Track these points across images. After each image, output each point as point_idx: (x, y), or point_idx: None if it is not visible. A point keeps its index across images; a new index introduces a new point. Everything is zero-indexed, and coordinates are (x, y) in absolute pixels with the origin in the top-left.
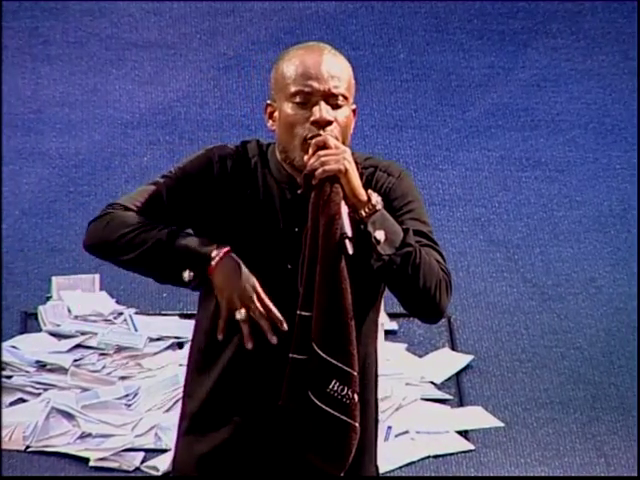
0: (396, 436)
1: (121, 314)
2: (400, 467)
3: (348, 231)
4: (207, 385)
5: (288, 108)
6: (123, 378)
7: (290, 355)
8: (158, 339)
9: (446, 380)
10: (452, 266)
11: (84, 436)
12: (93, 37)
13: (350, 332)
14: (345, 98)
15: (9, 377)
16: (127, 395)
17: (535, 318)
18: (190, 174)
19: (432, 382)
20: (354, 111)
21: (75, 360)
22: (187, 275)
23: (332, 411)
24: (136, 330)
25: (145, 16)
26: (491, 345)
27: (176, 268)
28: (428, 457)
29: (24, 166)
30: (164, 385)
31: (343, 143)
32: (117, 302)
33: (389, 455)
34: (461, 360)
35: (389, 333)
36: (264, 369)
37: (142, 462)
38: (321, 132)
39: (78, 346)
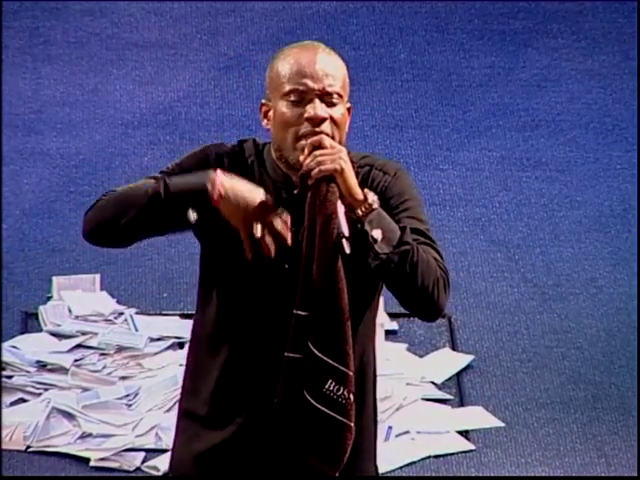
0: (397, 436)
1: (122, 314)
2: (401, 467)
3: (345, 231)
4: (204, 384)
5: (283, 106)
6: (124, 378)
7: (286, 354)
8: (159, 339)
9: (447, 380)
10: (452, 266)
11: (85, 436)
12: (94, 37)
13: (346, 332)
14: (340, 96)
15: (10, 377)
16: (128, 395)
17: (536, 318)
18: (187, 170)
19: (433, 382)
20: (349, 110)
21: (76, 360)
22: (192, 216)
23: (328, 411)
24: (137, 330)
25: (146, 16)
26: (492, 345)
27: (179, 212)
28: (429, 457)
29: (25, 166)
30: (165, 385)
31: (339, 142)
32: (118, 302)
33: (390, 455)
34: (462, 360)
35: (389, 333)
36: (261, 368)
37: (143, 462)
38: (316, 129)
39: (79, 346)
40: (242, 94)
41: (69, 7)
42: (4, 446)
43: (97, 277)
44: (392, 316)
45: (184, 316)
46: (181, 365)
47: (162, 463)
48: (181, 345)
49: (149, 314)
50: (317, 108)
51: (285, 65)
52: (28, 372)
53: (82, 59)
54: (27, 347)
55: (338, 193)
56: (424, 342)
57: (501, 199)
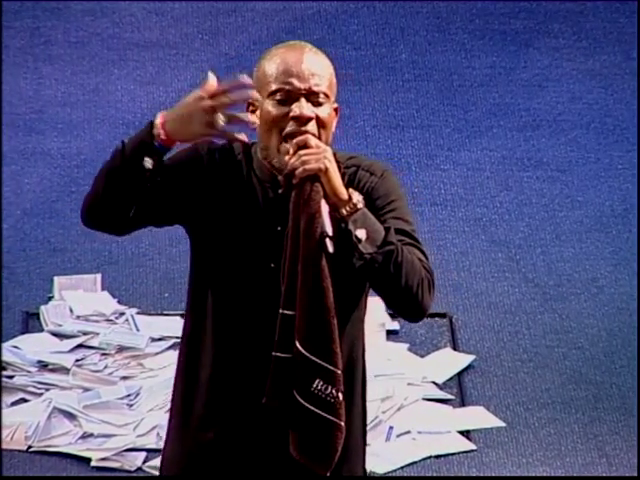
0: (398, 436)
1: (123, 314)
2: (402, 467)
3: (328, 230)
4: (194, 384)
5: (269, 106)
6: (125, 378)
7: (273, 353)
8: (160, 339)
9: (448, 380)
10: (454, 266)
11: (86, 436)
12: (95, 37)
13: (333, 330)
14: (326, 96)
15: (11, 377)
16: (129, 395)
17: (537, 318)
18: (181, 161)
19: (434, 382)
20: (336, 110)
21: (77, 360)
22: (148, 162)
23: (317, 410)
24: (138, 330)
25: (147, 16)
26: (493, 345)
27: (136, 163)
28: (430, 457)
29: (26, 166)
30: (166, 385)
31: (325, 142)
32: (119, 302)
33: (391, 455)
34: (463, 360)
35: (391, 333)
36: (249, 368)
37: (144, 462)
38: (301, 128)
39: (80, 346)
40: None
41: (70, 7)
42: (5, 446)
43: (98, 277)
44: (393, 316)
45: None
46: None
47: None
48: None
49: (150, 314)
50: (303, 107)
51: (272, 64)
52: (29, 372)
53: (83, 59)
54: (28, 347)
55: (322, 192)
56: (425, 342)
57: (502, 199)
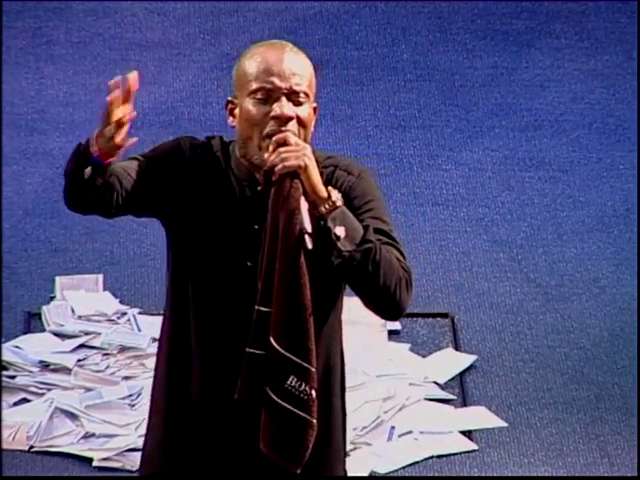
0: (399, 436)
1: (125, 314)
2: (403, 467)
3: (307, 226)
4: (172, 382)
5: (249, 104)
6: (127, 378)
7: (247, 349)
8: None
9: (450, 380)
10: (455, 266)
11: (88, 436)
12: (96, 37)
13: (308, 328)
14: (306, 95)
15: (13, 377)
16: (130, 395)
17: (539, 318)
18: (164, 153)
19: (436, 382)
20: (315, 110)
21: (79, 360)
22: (87, 172)
23: (289, 407)
24: (139, 330)
25: (148, 16)
26: (495, 345)
27: (79, 171)
28: (432, 457)
29: (28, 166)
30: None
31: (304, 141)
32: (121, 302)
33: (393, 455)
34: (464, 360)
35: (392, 333)
36: (225, 365)
37: None
38: (282, 128)
39: (82, 346)
40: None
41: (72, 7)
42: (7, 446)
43: (100, 277)
44: None
45: None
46: None
47: None
48: None
49: (152, 314)
50: (284, 107)
51: (252, 63)
52: (31, 372)
53: (85, 59)
54: (30, 347)
55: (302, 189)
56: (427, 342)
57: (504, 199)
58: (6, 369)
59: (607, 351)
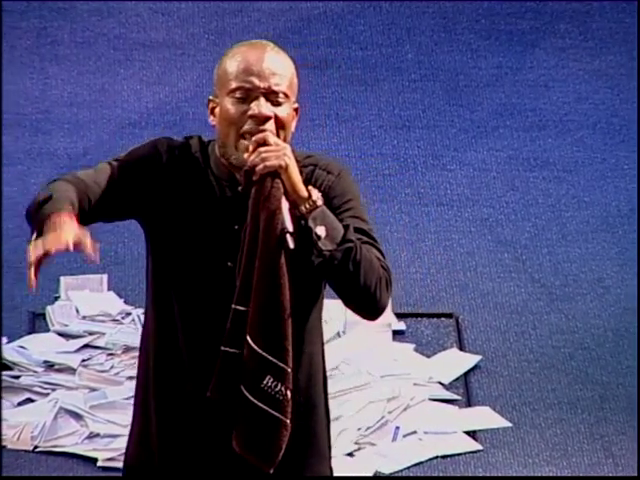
0: (404, 436)
1: (129, 314)
2: (408, 467)
3: (289, 226)
4: (151, 380)
5: (228, 103)
6: (131, 378)
7: (222, 348)
8: None
9: (454, 380)
10: (460, 266)
11: (92, 436)
12: (101, 37)
13: (286, 328)
14: (286, 96)
15: (17, 377)
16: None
17: (543, 318)
18: (139, 158)
19: (440, 382)
20: (296, 110)
21: (83, 360)
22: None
23: (264, 406)
24: None
25: (153, 16)
26: (499, 345)
27: (35, 221)
28: (436, 457)
29: (32, 166)
30: None
31: (284, 140)
32: (125, 302)
33: (397, 455)
34: (469, 360)
35: (397, 333)
36: (202, 364)
37: None
38: (259, 127)
39: (86, 346)
40: None
41: (76, 7)
42: (11, 446)
43: (104, 277)
44: (399, 316)
45: None
46: None
47: None
48: None
49: None
50: (262, 106)
51: (233, 63)
52: (35, 372)
53: (89, 59)
54: (34, 347)
55: (282, 189)
56: (431, 342)
57: (508, 199)
58: (11, 369)
59: (611, 351)
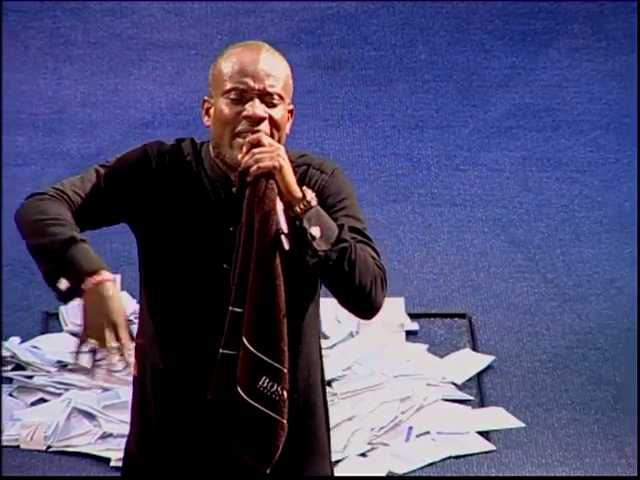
0: (417, 436)
1: None
2: (421, 467)
3: (284, 227)
4: (148, 381)
5: (223, 104)
6: None
7: (220, 350)
8: None
9: (467, 381)
10: (473, 267)
11: (105, 436)
12: (114, 37)
13: (282, 329)
14: (281, 98)
15: (30, 377)
16: None
17: (556, 319)
18: (128, 165)
19: (453, 383)
20: (291, 112)
21: (96, 360)
22: (63, 284)
23: (261, 407)
24: None
25: (166, 16)
26: (512, 346)
27: (56, 271)
28: (449, 457)
29: (45, 166)
30: None
31: (278, 142)
32: (138, 302)
33: (410, 455)
34: (482, 361)
35: (410, 334)
36: (199, 366)
37: None
38: (253, 128)
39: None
40: None
41: (90, 7)
42: (25, 446)
43: (118, 277)
44: (412, 317)
45: None
46: None
47: None
48: None
49: None
50: (256, 107)
51: (228, 64)
52: (49, 372)
53: (103, 59)
54: (48, 347)
55: (277, 190)
56: (444, 343)
57: (522, 200)
58: (24, 369)
59: (625, 351)
